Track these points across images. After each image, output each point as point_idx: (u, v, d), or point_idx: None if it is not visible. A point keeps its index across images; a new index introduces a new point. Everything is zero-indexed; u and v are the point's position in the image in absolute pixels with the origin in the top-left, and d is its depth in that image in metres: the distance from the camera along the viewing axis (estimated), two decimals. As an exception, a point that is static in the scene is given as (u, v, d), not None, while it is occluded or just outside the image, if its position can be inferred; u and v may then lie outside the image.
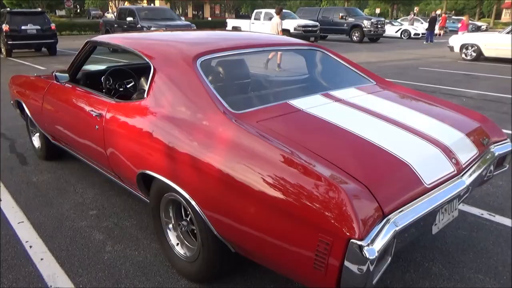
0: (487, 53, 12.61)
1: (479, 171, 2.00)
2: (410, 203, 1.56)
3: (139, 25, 13.63)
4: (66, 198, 3.16)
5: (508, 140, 2.39)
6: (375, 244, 1.34)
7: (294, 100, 2.16)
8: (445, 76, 9.69)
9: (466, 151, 2.00)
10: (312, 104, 2.15)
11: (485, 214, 2.94)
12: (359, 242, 1.32)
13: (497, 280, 2.24)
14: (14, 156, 4.09)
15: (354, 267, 1.34)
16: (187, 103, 2.02)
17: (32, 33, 13.10)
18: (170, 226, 2.28)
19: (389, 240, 1.40)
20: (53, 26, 13.72)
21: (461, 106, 2.62)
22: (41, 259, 2.38)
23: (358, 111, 2.13)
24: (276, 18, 10.40)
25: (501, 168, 2.39)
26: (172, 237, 2.27)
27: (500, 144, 2.31)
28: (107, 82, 3.23)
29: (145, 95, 2.25)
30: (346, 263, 1.35)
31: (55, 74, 3.06)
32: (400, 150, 1.75)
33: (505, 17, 48.45)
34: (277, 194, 1.52)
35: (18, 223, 2.79)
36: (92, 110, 2.59)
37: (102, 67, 3.71)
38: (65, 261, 2.37)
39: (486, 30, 29.01)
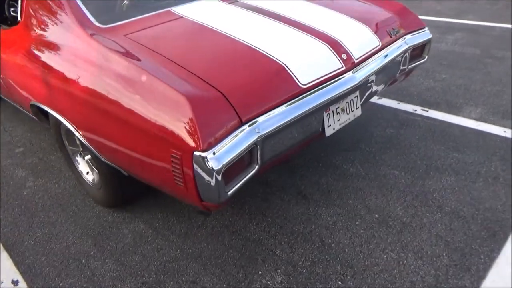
0: None
1: (381, 64, 1.87)
2: (279, 107, 1.46)
3: None
4: (-6, 138, 3.08)
5: (426, 29, 2.22)
6: (225, 154, 1.27)
7: (178, 7, 1.94)
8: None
9: (364, 44, 1.84)
10: (199, 9, 1.94)
11: (419, 110, 2.87)
12: (202, 154, 1.24)
13: (412, 174, 2.23)
14: None
15: (203, 179, 1.28)
16: (55, 22, 1.82)
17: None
18: (78, 154, 2.22)
19: (245, 148, 1.33)
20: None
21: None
22: (-42, 201, 2.37)
23: (248, 11, 1.92)
24: None
25: (420, 59, 2.25)
26: (81, 165, 2.22)
27: (415, 34, 2.14)
28: None
29: (19, 19, 2.03)
30: (196, 176, 1.29)
31: None
32: (277, 50, 1.60)
33: None
34: (131, 112, 1.41)
35: None
36: None
37: None
38: (-18, 200, 2.36)
39: None
